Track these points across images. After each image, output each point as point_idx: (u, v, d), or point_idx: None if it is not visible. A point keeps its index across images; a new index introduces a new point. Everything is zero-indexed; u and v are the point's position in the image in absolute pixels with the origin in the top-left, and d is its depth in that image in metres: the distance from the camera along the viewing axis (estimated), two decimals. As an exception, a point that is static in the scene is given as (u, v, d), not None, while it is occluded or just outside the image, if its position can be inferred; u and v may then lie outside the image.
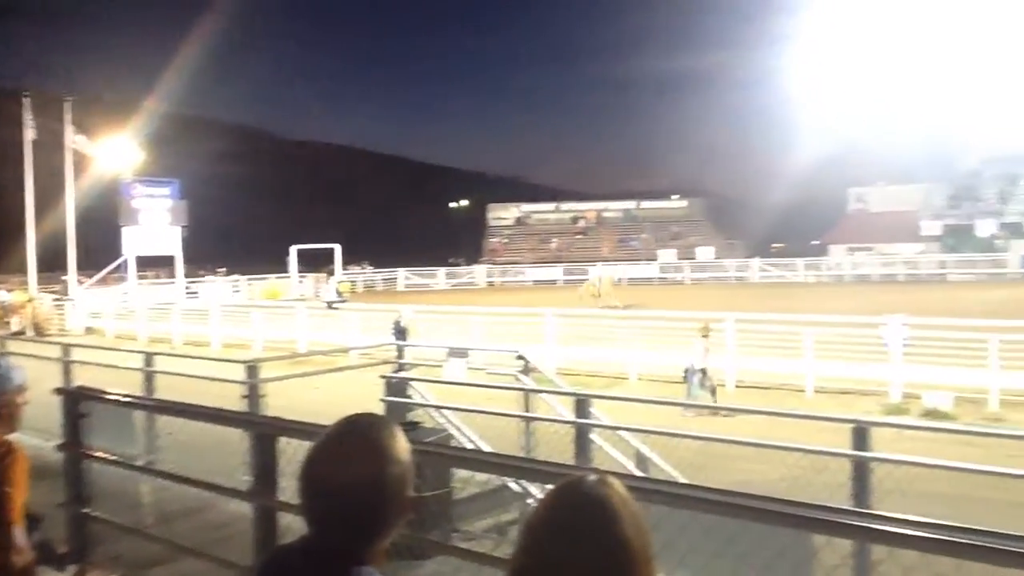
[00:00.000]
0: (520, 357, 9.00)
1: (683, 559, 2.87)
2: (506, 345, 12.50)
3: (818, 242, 67.48)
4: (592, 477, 1.51)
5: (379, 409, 8.16)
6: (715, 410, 13.05)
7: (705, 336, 15.14)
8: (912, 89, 55.48)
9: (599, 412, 7.70)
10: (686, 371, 15.09)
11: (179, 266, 43.53)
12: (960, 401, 13.85)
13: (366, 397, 8.48)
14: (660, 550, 2.98)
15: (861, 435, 4.85)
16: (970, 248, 53.05)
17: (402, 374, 9.93)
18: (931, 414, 13.57)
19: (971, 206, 57.22)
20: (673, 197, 77.67)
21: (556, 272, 59.20)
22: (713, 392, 14.85)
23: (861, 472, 4.68)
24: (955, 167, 61.72)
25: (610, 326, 19.67)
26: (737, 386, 16.61)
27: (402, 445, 1.74)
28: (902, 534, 2.22)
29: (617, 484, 1.48)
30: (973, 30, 51.22)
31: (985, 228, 54.75)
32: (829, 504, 2.70)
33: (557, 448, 7.06)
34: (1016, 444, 8.97)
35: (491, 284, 57.71)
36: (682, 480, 6.08)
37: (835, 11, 55.50)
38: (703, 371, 14.92)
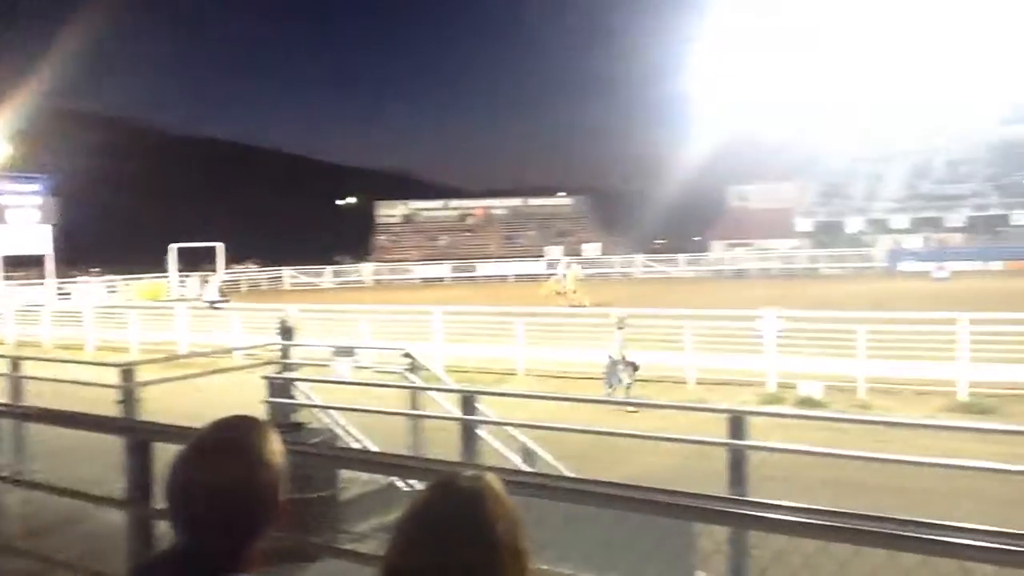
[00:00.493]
0: (407, 355, 8.95)
1: (566, 551, 2.91)
2: (394, 343, 12.41)
3: (699, 238, 69.64)
4: (467, 474, 1.50)
5: (261, 411, 7.98)
6: (622, 404, 13.17)
7: (621, 328, 15.31)
8: (789, 90, 57.74)
9: (487, 408, 7.74)
10: (609, 363, 15.17)
11: (50, 266, 41.50)
12: (831, 390, 14.50)
13: (249, 399, 8.27)
14: (546, 542, 3.02)
15: (737, 424, 5.03)
16: (840, 243, 55.68)
17: (286, 374, 9.72)
18: (804, 402, 14.16)
19: (841, 203, 60.02)
20: (560, 194, 78.67)
21: (444, 270, 59.16)
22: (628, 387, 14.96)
23: (737, 460, 4.86)
24: (826, 166, 64.62)
25: (500, 322, 19.75)
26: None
27: (274, 447, 1.70)
28: (769, 518, 2.31)
29: (493, 481, 1.48)
30: (846, 36, 53.70)
31: (853, 224, 57.55)
32: (705, 493, 2.78)
33: (445, 446, 7.06)
34: (883, 430, 9.47)
35: (379, 282, 57.19)
36: (567, 473, 6.16)
37: (719, 14, 57.25)
38: (630, 363, 15.03)
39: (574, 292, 32.02)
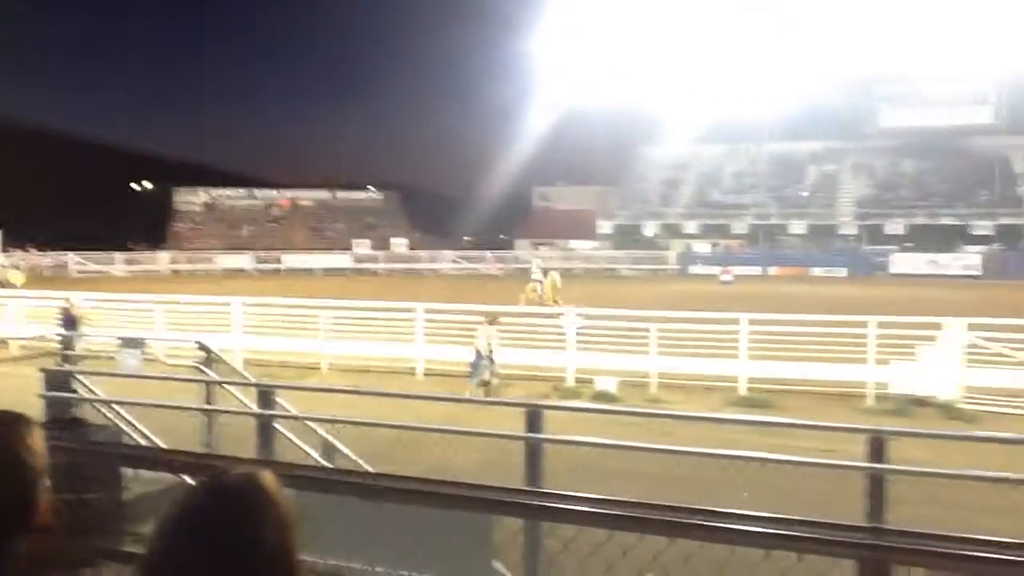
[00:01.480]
0: (202, 347, 8.54)
1: (356, 546, 2.87)
2: (189, 335, 11.84)
3: (506, 236, 71.01)
4: (236, 472, 1.43)
5: (37, 406, 7.39)
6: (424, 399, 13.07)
7: (492, 324, 15.27)
8: (593, 96, 59.81)
9: (288, 403, 7.53)
10: (476, 357, 15.07)
11: None
12: (625, 385, 15.15)
13: (23, 393, 7.63)
14: (337, 538, 2.96)
15: (533, 418, 5.15)
16: (637, 246, 58.42)
17: (68, 367, 9.05)
18: (600, 397, 14.73)
19: (639, 208, 62.92)
20: (369, 188, 77.89)
21: (247, 260, 57.18)
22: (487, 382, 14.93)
23: (533, 453, 4.98)
24: (626, 172, 67.57)
25: (307, 316, 19.26)
26: (425, 373, 17.01)
27: (30, 443, 1.58)
28: (559, 508, 2.38)
29: (265, 479, 1.42)
30: (649, 50, 56.24)
31: (650, 228, 60.53)
32: (502, 485, 2.82)
33: (241, 441, 6.80)
34: (671, 423, 10.00)
35: (177, 272, 54.46)
36: (366, 468, 6.10)
37: (532, 22, 58.47)
38: (491, 358, 14.97)
39: (554, 302, 26.95)
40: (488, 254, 59.15)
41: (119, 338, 10.26)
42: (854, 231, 56.60)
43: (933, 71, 56.51)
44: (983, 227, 53.48)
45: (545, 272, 29.78)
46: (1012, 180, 57.07)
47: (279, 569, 1.35)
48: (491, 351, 15.10)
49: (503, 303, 20.76)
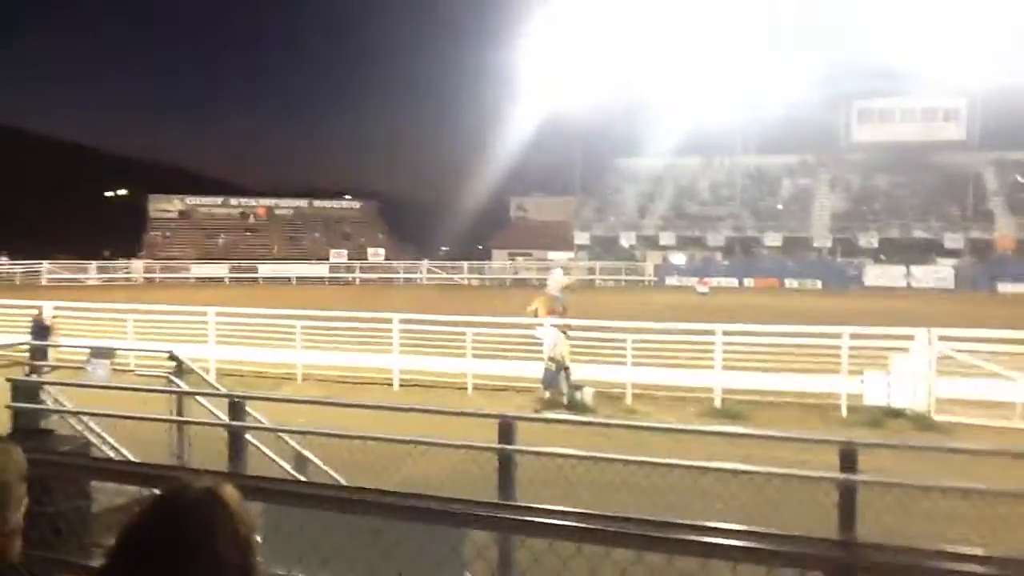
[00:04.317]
0: (172, 357, 8.45)
1: (327, 559, 2.84)
2: (161, 344, 11.71)
3: (483, 247, 71.05)
4: (196, 485, 1.40)
5: (4, 416, 7.28)
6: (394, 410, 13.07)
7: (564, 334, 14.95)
8: (569, 108, 60.01)
9: (260, 414, 7.46)
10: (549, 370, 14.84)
11: None
12: (600, 395, 15.16)
13: (-10, 404, 7.52)
14: (306, 551, 2.93)
15: (507, 430, 5.13)
16: (614, 257, 58.61)
17: (36, 377, 8.93)
18: (576, 408, 14.71)
19: (615, 219, 63.14)
20: (346, 197, 77.65)
21: (223, 269, 56.81)
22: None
23: (507, 465, 4.96)
24: (603, 183, 67.83)
25: (282, 326, 19.11)
26: (402, 384, 16.94)
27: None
28: (528, 522, 2.37)
29: (228, 493, 1.39)
30: (624, 63, 56.56)
31: (627, 239, 60.74)
32: (477, 497, 2.80)
33: (212, 453, 6.73)
34: (645, 433, 10.00)
35: (151, 280, 54.01)
36: (340, 480, 6.06)
37: (507, 36, 58.62)
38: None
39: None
40: (464, 264, 59.11)
41: (88, 348, 10.13)
42: (828, 244, 57.11)
43: (906, 87, 57.25)
44: (955, 240, 54.14)
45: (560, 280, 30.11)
46: (983, 195, 57.85)
47: None
48: (564, 362, 14.86)
49: (483, 314, 20.72)
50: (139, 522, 1.35)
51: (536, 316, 15.38)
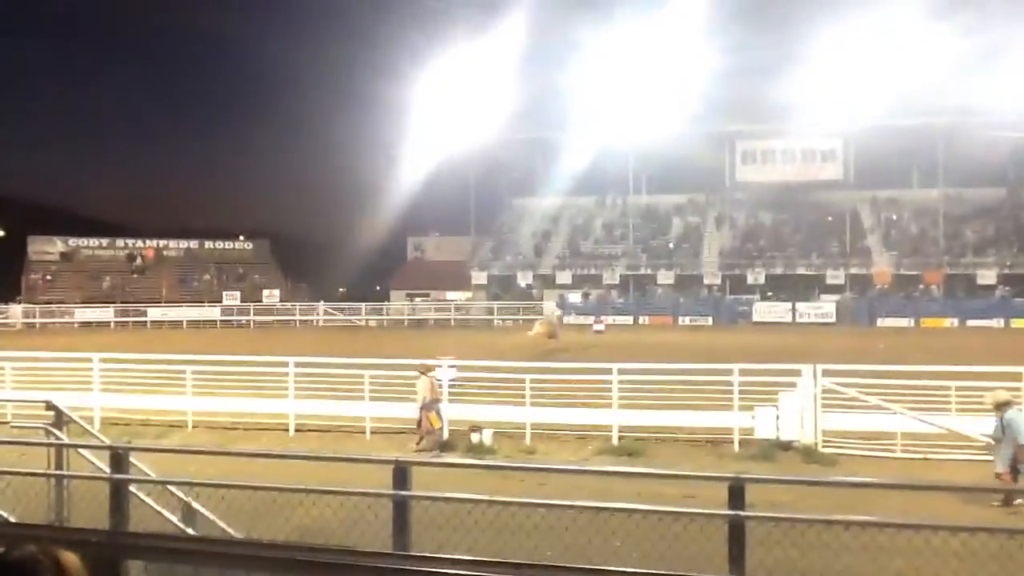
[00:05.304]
0: (51, 407, 8.04)
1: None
2: (40, 394, 11.16)
3: (380, 287, 70.54)
4: (25, 549, 1.31)
5: None
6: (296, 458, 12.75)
7: (425, 374, 15.27)
8: (463, 145, 60.38)
9: (145, 465, 7.18)
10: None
11: None
12: (500, 436, 15.16)
13: None
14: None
15: (401, 475, 5.07)
16: (511, 296, 58.99)
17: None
18: (475, 449, 14.67)
19: (512, 259, 63.65)
20: (239, 238, 75.90)
21: (108, 313, 54.69)
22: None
23: (402, 511, 4.88)
24: (499, 222, 68.36)
25: (172, 371, 18.44)
26: (297, 430, 16.58)
27: None
28: (419, 572, 2.34)
29: (63, 559, 1.30)
30: (513, 102, 57.41)
31: (523, 278, 61.23)
32: (367, 549, 2.76)
33: (92, 507, 6.43)
34: (544, 474, 10.05)
35: (31, 325, 51.56)
36: (231, 532, 5.87)
37: (404, 68, 58.77)
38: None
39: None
40: (362, 306, 58.52)
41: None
42: (718, 281, 58.85)
43: (785, 128, 59.85)
44: (836, 277, 56.59)
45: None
46: (860, 232, 60.71)
47: None
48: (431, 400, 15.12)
49: (380, 356, 20.51)
50: None
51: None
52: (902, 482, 11.71)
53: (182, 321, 53.37)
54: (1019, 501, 10.80)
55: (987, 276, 53.80)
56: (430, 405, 15.05)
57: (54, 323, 52.75)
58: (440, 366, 16.74)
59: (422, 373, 15.43)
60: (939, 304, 52.56)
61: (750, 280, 57.69)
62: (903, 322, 49.77)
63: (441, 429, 15.09)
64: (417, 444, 14.93)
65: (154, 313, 55.06)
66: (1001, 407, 11.50)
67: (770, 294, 56.56)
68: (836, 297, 54.83)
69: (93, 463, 7.49)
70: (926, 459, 13.46)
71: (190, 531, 6.47)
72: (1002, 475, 11.20)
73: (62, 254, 67.79)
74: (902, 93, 51.01)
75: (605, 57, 54.77)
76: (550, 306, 40.31)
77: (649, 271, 60.28)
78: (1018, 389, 14.12)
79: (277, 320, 55.14)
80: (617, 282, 59.59)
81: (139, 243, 70.82)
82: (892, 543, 6.39)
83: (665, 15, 52.27)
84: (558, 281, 60.23)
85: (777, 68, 51.84)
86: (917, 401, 14.31)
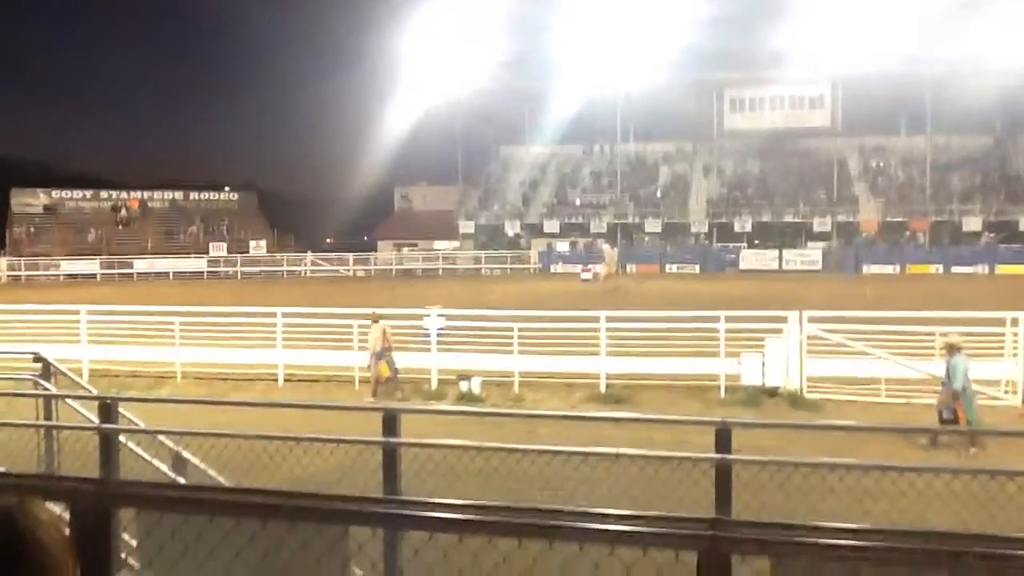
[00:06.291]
0: (38, 359, 8.03)
1: (202, 563, 2.77)
2: (27, 346, 11.12)
3: (368, 238, 70.25)
4: (7, 499, 1.27)
5: None
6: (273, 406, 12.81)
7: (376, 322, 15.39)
8: (452, 94, 59.82)
9: (134, 415, 7.19)
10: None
11: None
12: (489, 384, 15.25)
13: None
14: (176, 559, 2.84)
15: (391, 423, 5.09)
16: (499, 245, 58.89)
17: None
18: (464, 398, 14.77)
19: (500, 208, 63.40)
20: (225, 189, 75.22)
21: (94, 266, 54.36)
22: None
23: (392, 458, 4.92)
24: (487, 172, 67.97)
25: (160, 323, 18.40)
26: (286, 380, 16.62)
27: None
28: (410, 516, 2.36)
29: (29, 511, 1.26)
30: (509, 48, 56.74)
31: (511, 228, 61.07)
32: (356, 495, 2.77)
33: (82, 458, 6.45)
34: (534, 420, 10.13)
35: (15, 279, 51.27)
36: (222, 481, 5.90)
37: (391, 17, 57.90)
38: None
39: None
40: (349, 256, 58.34)
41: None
42: (705, 229, 58.85)
43: (773, 76, 59.36)
44: (823, 224, 56.68)
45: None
46: (848, 180, 60.68)
47: None
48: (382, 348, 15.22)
49: (368, 305, 20.49)
50: None
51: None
52: (886, 425, 11.87)
53: (168, 273, 53.10)
54: (945, 439, 11.09)
55: (973, 223, 53.97)
56: (381, 354, 15.13)
57: (39, 276, 52.48)
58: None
59: (374, 321, 15.49)
60: (925, 251, 52.82)
61: (737, 228, 57.71)
62: (889, 269, 50.04)
63: (393, 379, 15.17)
64: (373, 395, 14.94)
65: (140, 265, 54.75)
66: (951, 351, 11.73)
67: (757, 242, 56.64)
68: (823, 244, 55.00)
69: (82, 414, 7.50)
70: (909, 403, 13.63)
71: (180, 480, 6.51)
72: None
73: (46, 207, 67.09)
74: (890, 40, 50.59)
75: (592, 5, 54.03)
76: (608, 248, 43.39)
77: (637, 219, 60.18)
78: (1001, 334, 14.29)
79: (264, 271, 54.92)
80: (605, 231, 59.55)
81: (123, 195, 70.10)
82: (877, 486, 6.49)
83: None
84: (546, 230, 60.10)
85: (765, 15, 51.32)
86: (901, 347, 14.45)
